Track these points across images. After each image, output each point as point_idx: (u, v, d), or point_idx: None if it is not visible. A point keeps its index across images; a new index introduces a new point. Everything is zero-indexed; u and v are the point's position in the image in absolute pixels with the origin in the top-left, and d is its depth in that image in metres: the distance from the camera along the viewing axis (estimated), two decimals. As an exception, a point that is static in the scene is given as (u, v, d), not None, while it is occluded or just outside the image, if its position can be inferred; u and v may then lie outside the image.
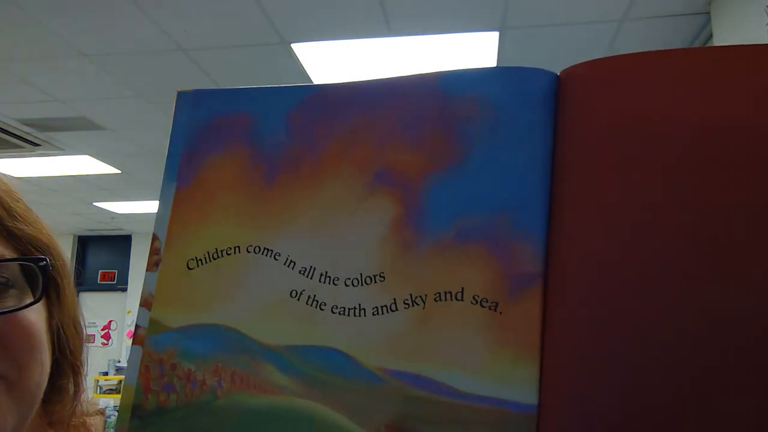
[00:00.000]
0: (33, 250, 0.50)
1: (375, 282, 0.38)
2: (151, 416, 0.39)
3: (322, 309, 0.38)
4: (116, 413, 0.40)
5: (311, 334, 0.38)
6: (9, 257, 0.47)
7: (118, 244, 8.60)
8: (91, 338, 8.23)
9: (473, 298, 0.35)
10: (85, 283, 8.51)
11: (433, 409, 0.34)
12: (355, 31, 2.97)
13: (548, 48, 3.08)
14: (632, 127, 0.34)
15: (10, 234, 0.48)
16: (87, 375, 0.56)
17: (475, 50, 3.16)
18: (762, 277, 0.30)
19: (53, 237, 0.53)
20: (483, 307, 0.35)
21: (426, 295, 0.36)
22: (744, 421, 0.29)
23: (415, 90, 0.40)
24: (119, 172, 5.33)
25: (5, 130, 4.18)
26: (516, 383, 0.33)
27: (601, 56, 0.37)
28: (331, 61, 3.27)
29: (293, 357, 0.38)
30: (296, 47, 3.11)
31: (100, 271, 8.65)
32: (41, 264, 0.48)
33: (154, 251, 0.43)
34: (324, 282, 0.39)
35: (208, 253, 0.42)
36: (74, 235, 8.54)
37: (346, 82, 0.42)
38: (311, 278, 0.39)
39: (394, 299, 0.37)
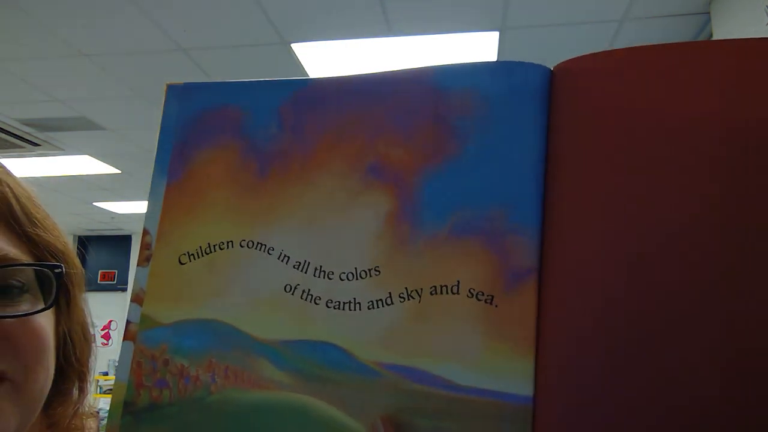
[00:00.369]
0: (49, 256, 0.50)
1: (370, 276, 0.37)
2: (143, 412, 0.39)
3: (316, 303, 0.38)
4: (111, 412, 0.39)
5: (306, 328, 0.38)
6: (26, 261, 0.48)
7: (118, 244, 8.61)
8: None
9: (469, 291, 0.35)
10: (85, 283, 8.50)
11: (428, 402, 0.34)
12: (355, 31, 2.96)
13: (548, 48, 3.08)
14: (625, 120, 0.34)
15: (29, 239, 0.49)
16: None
17: (475, 50, 3.16)
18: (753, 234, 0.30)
19: (69, 244, 0.54)
20: (479, 300, 0.35)
21: (422, 289, 0.36)
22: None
23: (408, 84, 0.40)
24: (119, 172, 5.33)
25: (5, 130, 4.18)
26: (511, 376, 0.33)
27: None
28: (331, 61, 3.27)
29: (288, 352, 0.38)
30: (296, 47, 3.11)
31: (100, 271, 8.66)
32: (56, 271, 0.49)
33: (144, 246, 0.42)
34: (318, 276, 0.38)
35: (200, 247, 0.41)
36: (74, 235, 8.55)
37: (339, 76, 0.42)
38: (305, 272, 0.39)
39: (390, 293, 0.37)
